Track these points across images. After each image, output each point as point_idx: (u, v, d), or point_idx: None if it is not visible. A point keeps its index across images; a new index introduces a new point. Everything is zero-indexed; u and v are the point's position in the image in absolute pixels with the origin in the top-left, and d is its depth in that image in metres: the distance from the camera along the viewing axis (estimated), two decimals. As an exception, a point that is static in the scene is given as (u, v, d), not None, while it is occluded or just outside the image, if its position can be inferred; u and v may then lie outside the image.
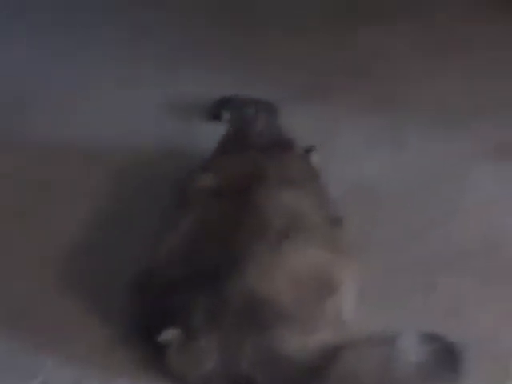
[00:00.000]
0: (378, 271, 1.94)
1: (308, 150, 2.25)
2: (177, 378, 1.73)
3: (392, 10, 3.10)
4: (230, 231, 1.80)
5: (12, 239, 2.13)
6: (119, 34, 3.06)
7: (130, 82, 2.76)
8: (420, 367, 1.67)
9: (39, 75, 2.83)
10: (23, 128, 2.56)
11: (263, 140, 2.17)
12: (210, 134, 2.39)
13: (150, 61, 2.89)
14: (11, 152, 2.44)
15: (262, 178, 1.92)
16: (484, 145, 2.40)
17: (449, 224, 2.12)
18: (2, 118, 2.62)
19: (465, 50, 2.85)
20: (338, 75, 2.74)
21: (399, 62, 2.81)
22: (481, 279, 1.95)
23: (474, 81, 2.70)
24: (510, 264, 1.99)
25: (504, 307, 1.88)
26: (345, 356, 1.67)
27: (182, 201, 1.98)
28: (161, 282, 1.78)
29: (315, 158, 2.22)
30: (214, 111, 2.55)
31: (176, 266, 1.79)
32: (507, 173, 2.31)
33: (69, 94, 2.73)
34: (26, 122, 2.59)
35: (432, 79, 2.71)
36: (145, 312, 1.79)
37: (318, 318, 1.72)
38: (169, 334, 1.72)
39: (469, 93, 2.64)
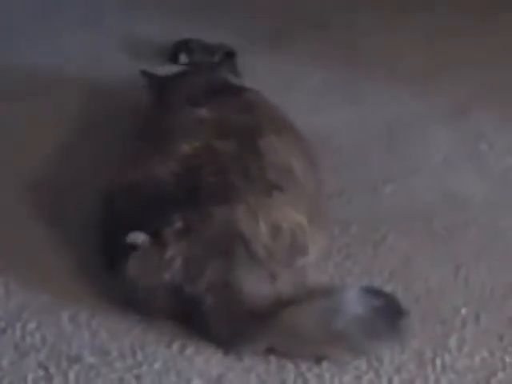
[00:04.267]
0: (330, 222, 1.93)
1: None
2: (127, 289, 1.70)
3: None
4: (231, 163, 1.82)
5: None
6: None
7: (90, 22, 2.77)
8: (362, 322, 1.64)
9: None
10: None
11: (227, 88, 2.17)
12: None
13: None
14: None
15: (261, 125, 1.95)
16: (440, 103, 2.40)
17: (403, 181, 2.11)
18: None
19: (427, 10, 2.85)
20: (301, 24, 2.73)
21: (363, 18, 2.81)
22: (430, 238, 1.95)
23: (433, 40, 2.70)
24: (461, 224, 1.99)
25: (450, 265, 1.87)
26: (288, 308, 1.65)
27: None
28: (146, 190, 1.79)
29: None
30: (172, 53, 2.54)
31: (168, 178, 1.80)
32: (461, 132, 2.30)
33: (30, 26, 2.74)
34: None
35: (393, 36, 2.70)
36: (118, 217, 1.78)
37: (282, 272, 1.73)
38: (137, 237, 1.70)
39: (428, 52, 2.63)
